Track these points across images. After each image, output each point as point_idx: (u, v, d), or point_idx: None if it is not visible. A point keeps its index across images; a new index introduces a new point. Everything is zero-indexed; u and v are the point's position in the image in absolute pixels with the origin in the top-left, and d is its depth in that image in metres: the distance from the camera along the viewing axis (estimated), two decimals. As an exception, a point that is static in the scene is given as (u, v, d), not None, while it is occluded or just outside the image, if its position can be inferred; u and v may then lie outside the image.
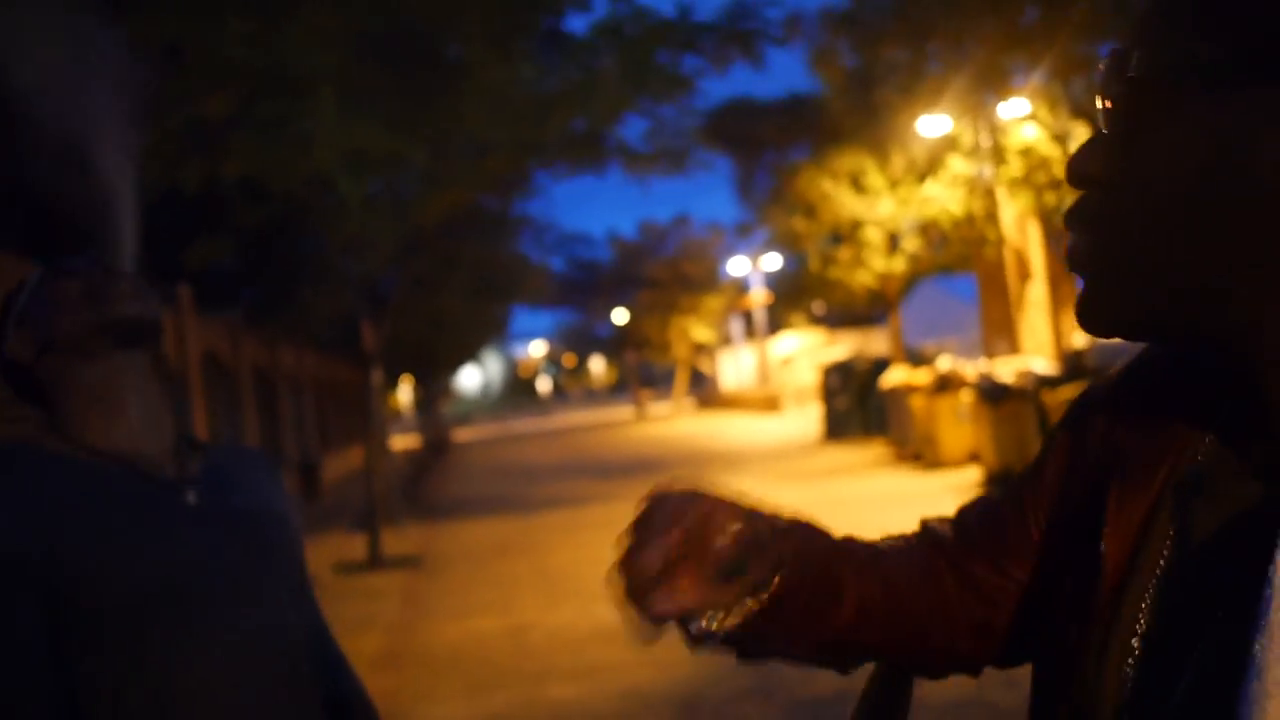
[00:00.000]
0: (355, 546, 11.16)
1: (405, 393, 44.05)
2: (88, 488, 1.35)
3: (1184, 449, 0.73)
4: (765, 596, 0.84)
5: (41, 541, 1.27)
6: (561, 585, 8.55)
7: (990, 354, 20.00)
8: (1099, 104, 0.70)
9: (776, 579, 0.84)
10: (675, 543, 0.79)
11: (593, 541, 10.57)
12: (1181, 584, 0.68)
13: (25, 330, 1.43)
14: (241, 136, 5.85)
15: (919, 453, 13.90)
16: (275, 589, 1.44)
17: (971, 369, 14.38)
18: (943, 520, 0.98)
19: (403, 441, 29.52)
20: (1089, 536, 0.76)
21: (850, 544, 0.94)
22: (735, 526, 0.81)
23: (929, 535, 0.96)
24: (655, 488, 0.83)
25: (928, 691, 1.01)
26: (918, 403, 13.87)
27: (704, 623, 0.82)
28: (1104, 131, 0.69)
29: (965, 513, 0.96)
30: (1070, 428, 0.86)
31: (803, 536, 0.89)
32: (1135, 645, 0.69)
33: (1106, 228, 0.69)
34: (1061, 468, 0.86)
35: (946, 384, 13.22)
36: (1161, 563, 0.70)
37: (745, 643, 0.87)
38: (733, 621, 0.83)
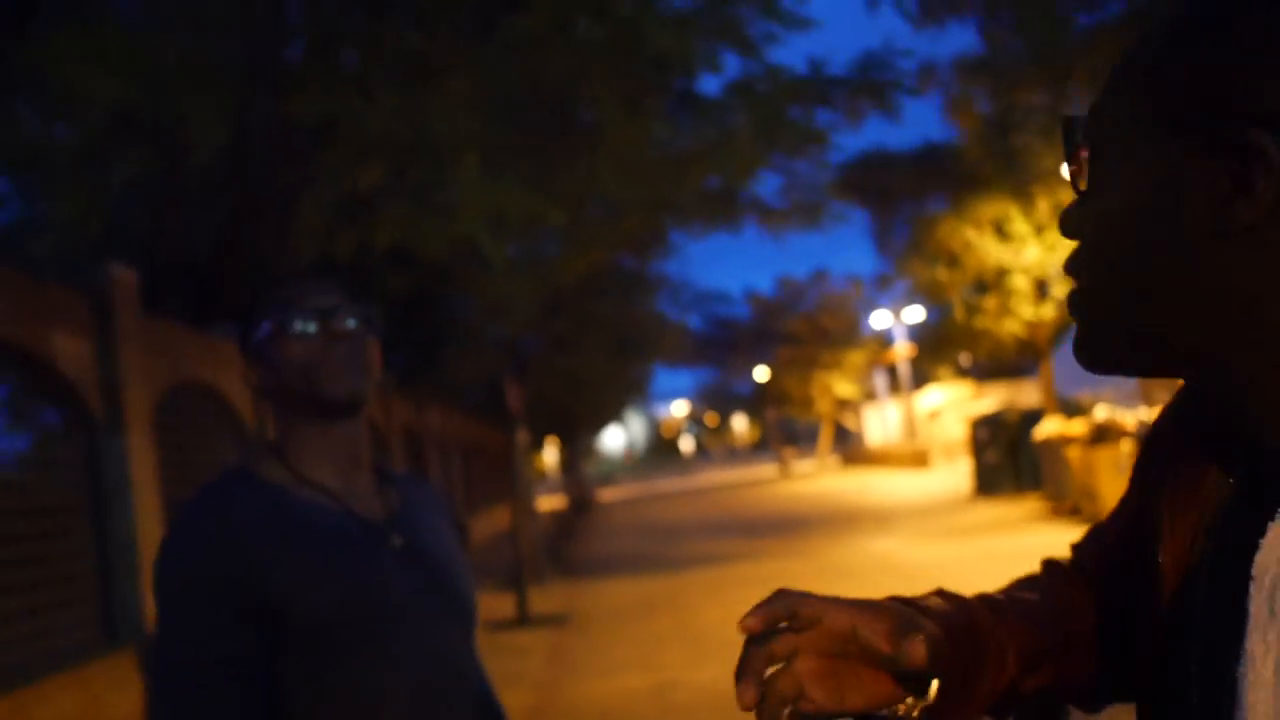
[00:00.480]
0: (502, 604, 11.32)
1: (550, 453, 44.71)
2: (306, 518, 1.51)
3: (1218, 474, 0.76)
4: (932, 691, 0.83)
5: (259, 561, 1.43)
6: (707, 642, 8.47)
7: (1149, 402, 19.14)
8: (1065, 170, 0.76)
9: (934, 683, 0.83)
10: (823, 647, 0.80)
11: (739, 599, 10.46)
12: (1195, 609, 0.71)
13: (262, 367, 1.60)
14: (391, 206, 6.12)
15: (1076, 506, 13.34)
16: (460, 633, 1.61)
17: (1130, 418, 13.77)
18: (1063, 558, 1.02)
19: (548, 502, 29.88)
20: (1149, 559, 0.78)
21: (990, 599, 0.95)
22: (884, 624, 0.80)
23: (1054, 568, 1.00)
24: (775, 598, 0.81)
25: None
26: (1074, 454, 13.35)
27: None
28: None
29: (1080, 546, 1.00)
30: (1139, 458, 0.91)
31: (945, 611, 0.88)
32: (1191, 671, 0.70)
33: (1086, 275, 0.75)
34: (1134, 496, 0.89)
35: (1104, 434, 12.69)
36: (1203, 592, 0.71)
37: None
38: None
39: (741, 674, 0.77)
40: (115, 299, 7.24)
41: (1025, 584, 0.98)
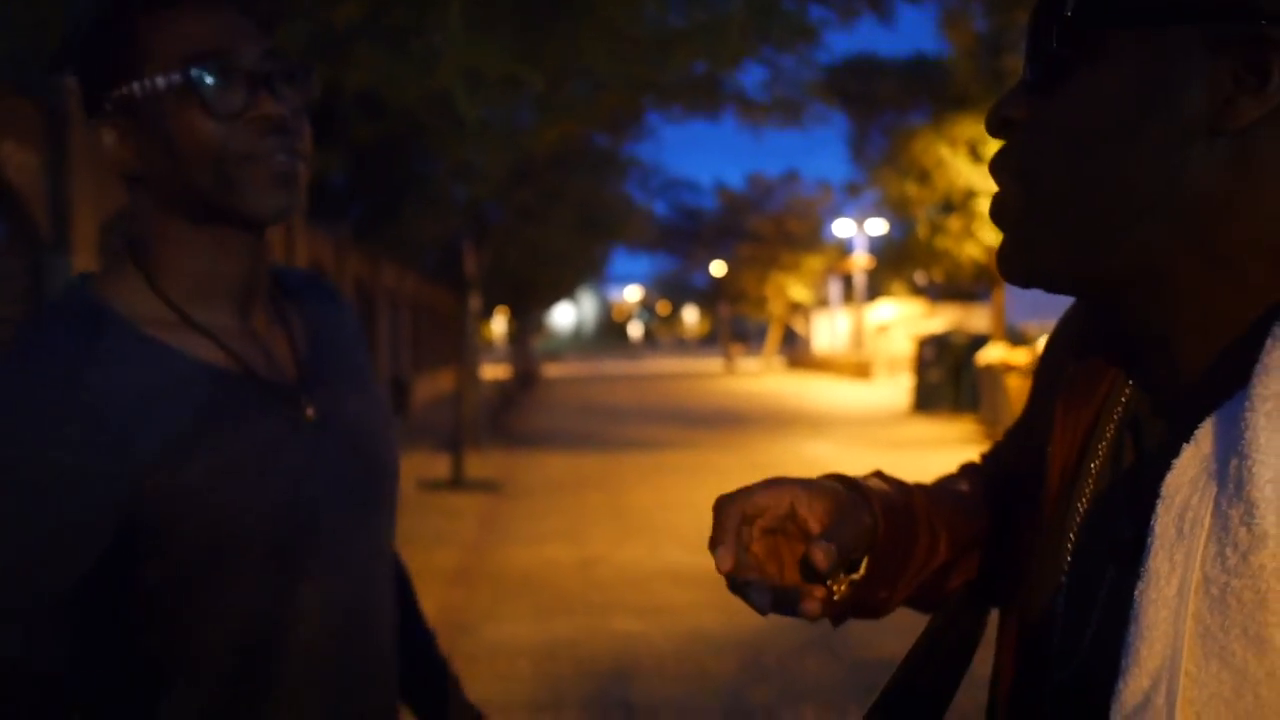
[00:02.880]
0: (439, 466, 11.41)
1: (500, 324, 44.63)
2: (187, 384, 1.05)
3: (1116, 378, 0.76)
4: (862, 569, 0.88)
5: (122, 450, 0.99)
6: (634, 523, 8.63)
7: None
8: (1028, 48, 0.70)
9: (865, 559, 0.88)
10: (765, 526, 0.84)
11: (670, 484, 10.64)
12: (1095, 527, 0.71)
13: (142, 140, 1.07)
14: (366, 47, 5.91)
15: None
16: (384, 531, 1.23)
17: (1073, 353, 14.00)
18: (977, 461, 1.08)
19: (493, 371, 29.96)
20: (1038, 458, 0.79)
21: (924, 486, 1.00)
22: (822, 504, 0.85)
23: (970, 470, 1.06)
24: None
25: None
26: (1014, 382, 13.58)
27: (807, 605, 0.86)
28: (1026, 79, 0.70)
29: (988, 454, 1.06)
30: (1037, 366, 0.92)
31: (884, 492, 0.93)
32: (1062, 582, 0.72)
33: (1028, 172, 0.69)
34: (1033, 400, 0.91)
35: (1046, 365, 12.91)
36: (1084, 501, 0.73)
37: (853, 609, 0.91)
38: (840, 596, 0.87)
39: (717, 542, 0.81)
40: (70, 111, 7.00)
41: (951, 480, 1.05)
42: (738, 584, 0.82)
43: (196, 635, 1.04)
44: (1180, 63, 0.63)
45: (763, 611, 0.82)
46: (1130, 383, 0.74)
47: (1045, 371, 0.88)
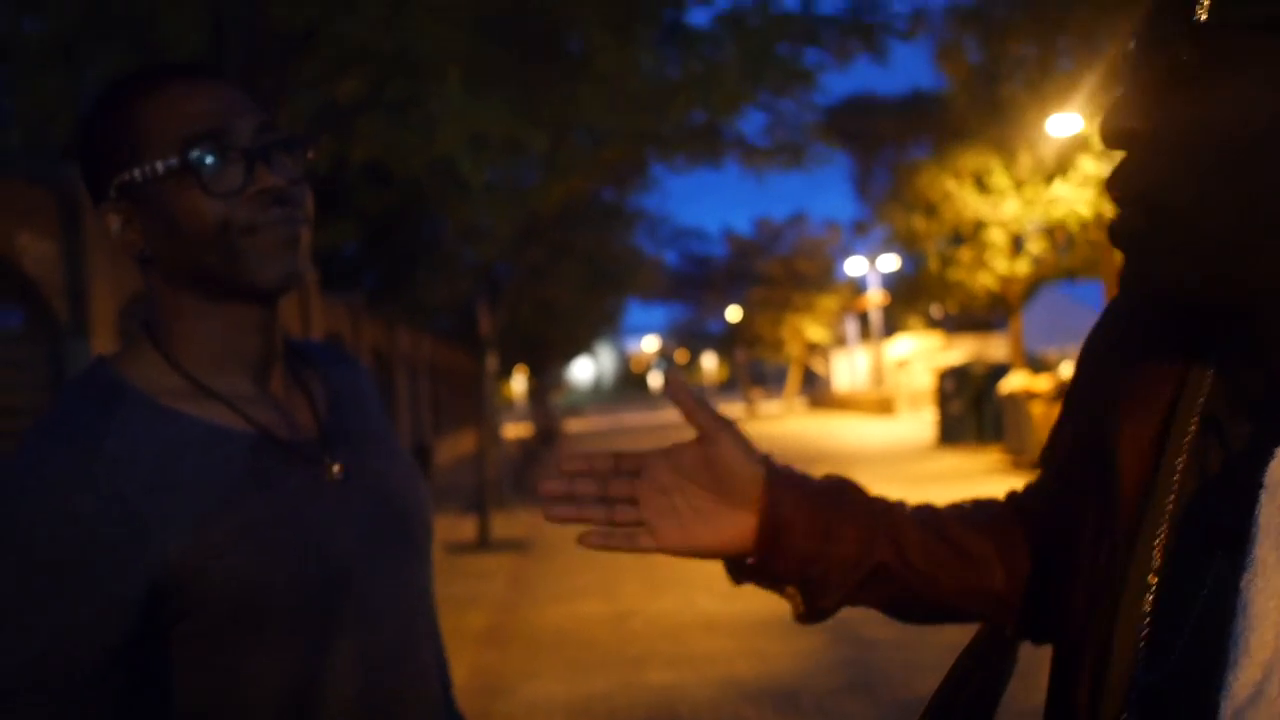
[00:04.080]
0: (465, 528, 11.38)
1: (519, 382, 44.74)
2: (207, 448, 1.05)
3: (1188, 380, 0.73)
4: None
5: (142, 517, 0.98)
6: (664, 574, 8.57)
7: (1115, 362, 19.30)
8: (1141, 54, 0.67)
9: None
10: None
11: (697, 534, 10.57)
12: (1190, 523, 0.69)
13: (146, 222, 1.09)
14: (370, 120, 6.02)
15: (1037, 460, 13.51)
16: (420, 584, 1.20)
17: (1094, 376, 13.93)
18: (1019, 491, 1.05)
19: (515, 430, 29.97)
20: (1104, 466, 0.76)
21: (890, 501, 1.01)
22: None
23: (983, 502, 1.05)
24: None
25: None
26: (1037, 409, 13.50)
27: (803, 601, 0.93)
28: (1144, 84, 0.67)
29: (1017, 492, 1.04)
30: (1077, 377, 0.89)
31: (816, 478, 0.98)
32: (1151, 582, 0.69)
33: (1156, 187, 0.65)
34: (1071, 414, 0.89)
35: (1067, 390, 12.83)
36: (1171, 500, 0.70)
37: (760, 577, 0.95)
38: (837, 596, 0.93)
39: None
40: (84, 200, 7.11)
41: (972, 504, 1.04)
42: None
43: (231, 697, 1.03)
44: None
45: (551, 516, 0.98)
46: (1209, 384, 0.71)
47: (1086, 384, 0.85)
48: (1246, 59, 0.61)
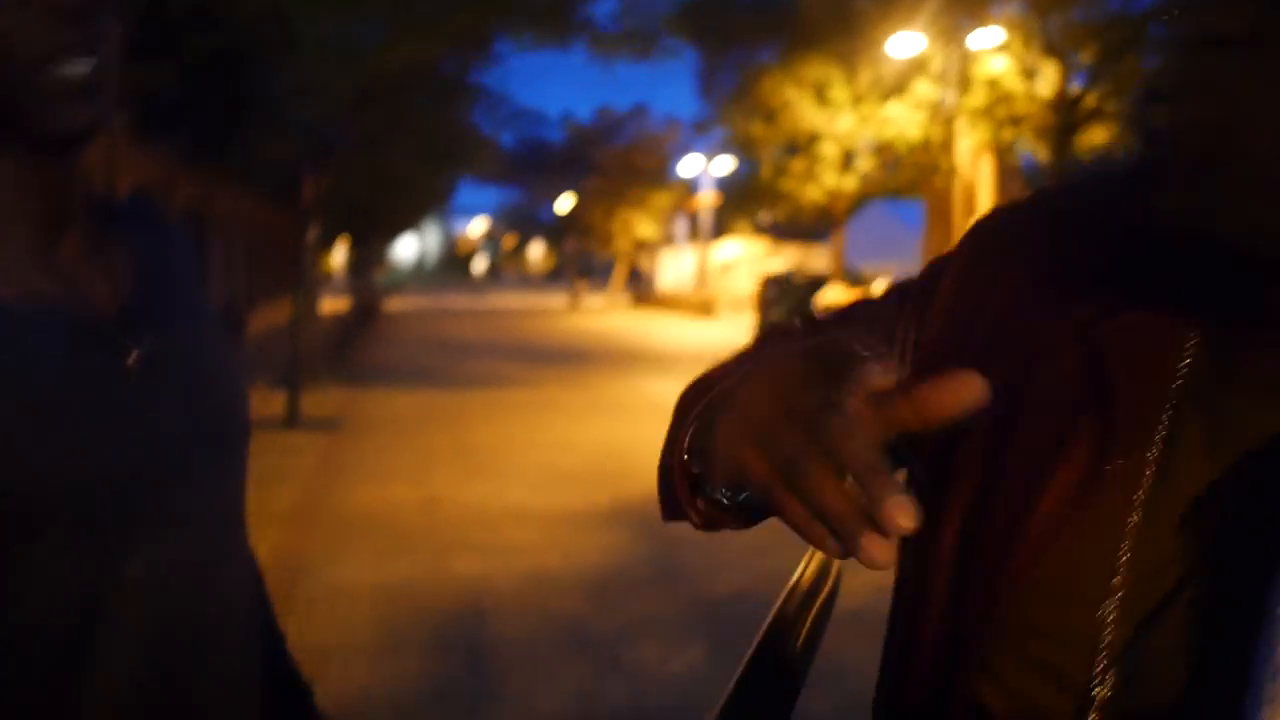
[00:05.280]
0: (275, 403, 11.01)
1: (340, 254, 43.35)
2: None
3: (1151, 338, 0.61)
4: None
5: None
6: (478, 462, 8.53)
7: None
8: None
9: None
10: None
11: (513, 423, 10.56)
12: (1182, 518, 0.58)
13: None
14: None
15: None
16: (231, 490, 1.04)
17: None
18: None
19: (332, 304, 29.11)
20: (1009, 411, 0.63)
21: None
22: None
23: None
24: None
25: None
26: (852, 322, 13.96)
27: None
28: None
29: (851, 311, 0.86)
30: (967, 267, 0.73)
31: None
32: (1116, 584, 0.59)
33: (1242, 101, 0.54)
34: (953, 319, 0.73)
35: (882, 307, 13.31)
36: (1141, 489, 0.59)
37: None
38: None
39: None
40: None
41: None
42: None
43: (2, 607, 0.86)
44: None
45: None
46: (1191, 344, 0.61)
47: (967, 304, 0.71)
48: None
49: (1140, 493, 0.60)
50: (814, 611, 0.95)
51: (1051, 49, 14.49)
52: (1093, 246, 0.66)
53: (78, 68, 0.86)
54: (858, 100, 18.85)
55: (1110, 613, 0.59)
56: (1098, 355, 0.62)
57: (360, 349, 20.22)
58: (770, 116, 20.21)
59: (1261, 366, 0.58)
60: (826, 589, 0.96)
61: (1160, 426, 0.60)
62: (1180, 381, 0.60)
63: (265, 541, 5.75)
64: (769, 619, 0.93)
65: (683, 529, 0.88)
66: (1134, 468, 0.60)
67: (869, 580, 0.94)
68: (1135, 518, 0.59)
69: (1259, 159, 0.54)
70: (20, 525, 0.85)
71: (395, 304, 42.94)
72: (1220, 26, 0.55)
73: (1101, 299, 0.63)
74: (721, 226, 42.13)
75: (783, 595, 0.95)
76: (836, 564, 0.96)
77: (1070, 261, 0.66)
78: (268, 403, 11.09)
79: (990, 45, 15.20)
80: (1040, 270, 0.68)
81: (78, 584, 0.88)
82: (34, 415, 0.85)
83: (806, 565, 0.97)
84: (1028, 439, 0.64)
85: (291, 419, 10.28)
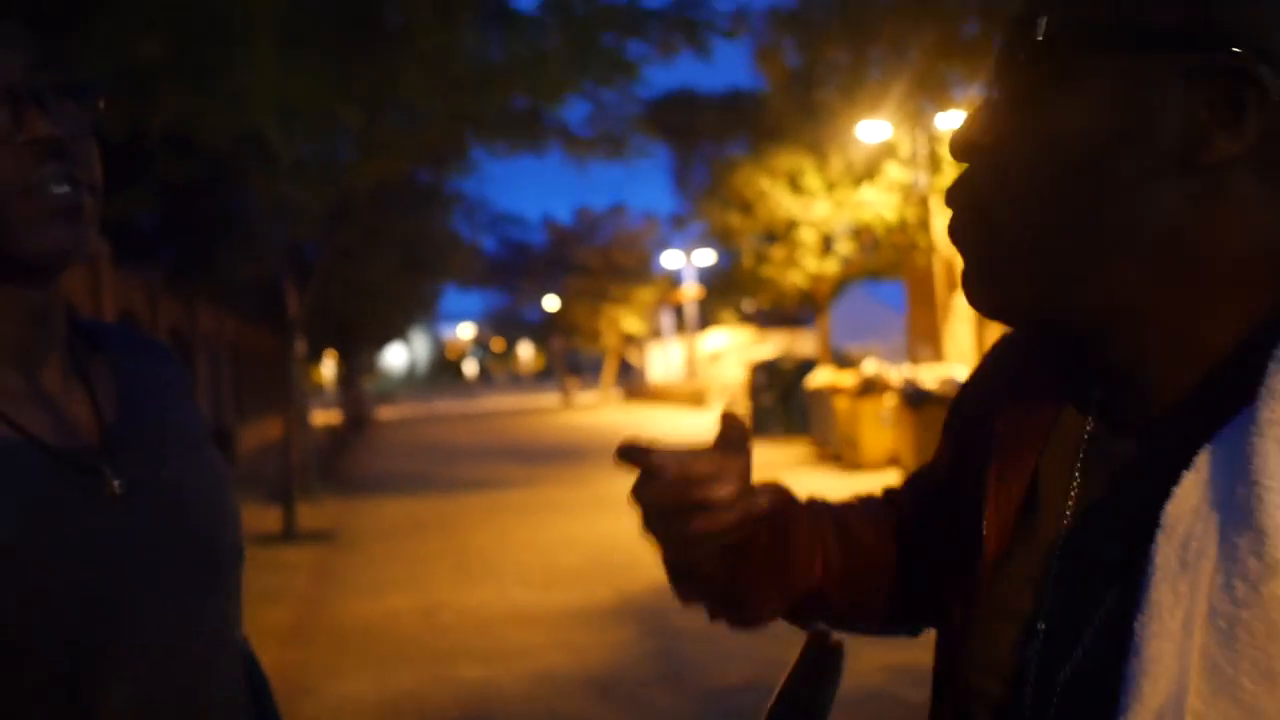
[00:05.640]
0: (269, 519, 10.93)
1: (329, 367, 43.43)
2: None
3: (1065, 415, 0.73)
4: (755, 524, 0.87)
5: None
6: (477, 566, 8.45)
7: (915, 359, 20.27)
8: (995, 68, 0.68)
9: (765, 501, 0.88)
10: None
11: (511, 525, 10.49)
12: (1077, 557, 0.67)
13: None
14: (171, 86, 5.63)
15: (840, 454, 14.02)
16: (215, 616, 1.02)
17: (896, 374, 14.53)
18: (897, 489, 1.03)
19: (324, 416, 29.07)
20: (973, 521, 0.76)
21: (818, 505, 0.98)
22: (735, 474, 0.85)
23: (889, 499, 1.01)
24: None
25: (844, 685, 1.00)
26: (841, 404, 13.99)
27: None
28: (993, 100, 0.68)
29: (895, 489, 1.02)
30: (949, 428, 0.89)
31: (778, 494, 0.93)
32: (1038, 626, 0.68)
33: (993, 204, 0.66)
34: (945, 465, 0.88)
35: (871, 387, 13.34)
36: (1056, 530, 0.69)
37: (721, 594, 0.90)
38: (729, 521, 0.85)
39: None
40: None
41: (860, 500, 1.03)
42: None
43: None
44: (1156, 93, 0.60)
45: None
46: (1088, 417, 0.71)
47: (960, 429, 0.85)
48: (1083, 77, 0.62)
49: (1056, 543, 0.69)
50: (817, 694, 0.97)
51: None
52: (1039, 361, 0.78)
53: (59, 195, 0.90)
54: (831, 186, 19.17)
55: (1026, 646, 0.68)
56: (1024, 441, 0.74)
57: (353, 459, 20.14)
58: (746, 207, 20.51)
59: (1138, 418, 0.67)
60: (827, 674, 0.98)
61: (1071, 488, 0.69)
62: (1083, 452, 0.69)
63: (264, 660, 5.65)
64: (769, 704, 0.96)
65: (687, 619, 0.94)
66: (1043, 527, 0.70)
67: (880, 661, 0.98)
68: (1048, 566, 0.69)
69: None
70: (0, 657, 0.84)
71: (387, 412, 42.88)
72: (974, 136, 0.67)
73: (1037, 399, 0.76)
74: (707, 317, 42.41)
75: (781, 682, 0.97)
76: (841, 645, 0.98)
77: (1023, 372, 0.79)
78: (263, 518, 11.01)
79: (955, 126, 15.56)
80: (1006, 383, 0.80)
81: (60, 715, 0.88)
82: (9, 549, 0.85)
83: (804, 650, 0.99)
84: (982, 508, 0.75)
85: (287, 533, 10.19)
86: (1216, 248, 0.61)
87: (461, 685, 5.30)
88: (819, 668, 0.96)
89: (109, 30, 5.20)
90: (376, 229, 13.96)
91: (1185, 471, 0.57)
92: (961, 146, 0.68)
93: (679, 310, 43.85)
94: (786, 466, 14.50)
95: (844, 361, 23.93)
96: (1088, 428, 0.71)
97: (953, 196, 0.69)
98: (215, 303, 18.11)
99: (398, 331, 32.65)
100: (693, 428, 24.32)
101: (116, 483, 0.94)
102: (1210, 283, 0.62)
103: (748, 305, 37.33)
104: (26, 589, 0.86)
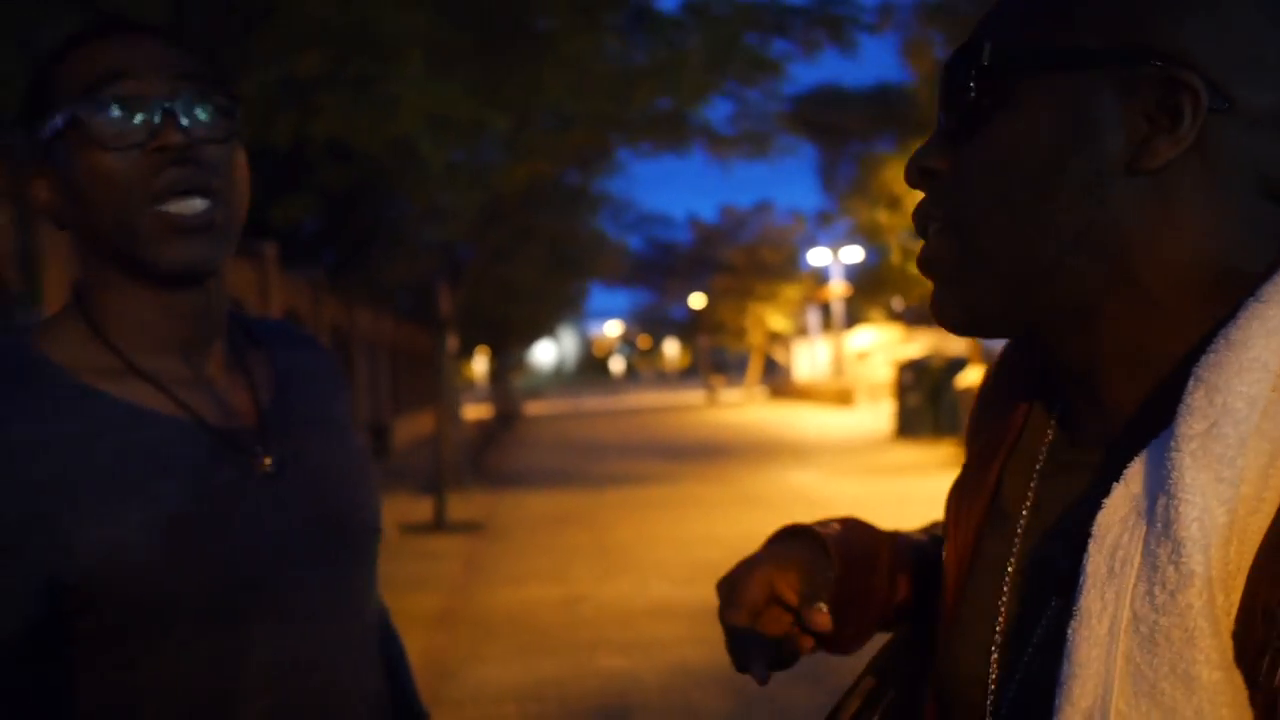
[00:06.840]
0: (421, 508, 11.35)
1: (480, 363, 44.58)
2: (128, 434, 0.97)
3: (1031, 423, 0.77)
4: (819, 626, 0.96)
5: (50, 505, 0.92)
6: (619, 559, 8.59)
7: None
8: (944, 98, 0.71)
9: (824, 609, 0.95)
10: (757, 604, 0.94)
11: (654, 519, 10.61)
12: (1028, 572, 0.71)
13: (56, 178, 0.99)
14: (330, 96, 5.95)
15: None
16: (354, 588, 1.11)
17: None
18: None
19: (474, 411, 29.87)
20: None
21: (895, 536, 1.04)
22: (794, 574, 0.94)
23: None
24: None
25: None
26: (991, 403, 13.62)
27: (804, 643, 1.00)
28: (944, 128, 0.71)
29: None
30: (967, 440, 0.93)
31: (845, 544, 0.99)
32: (997, 633, 0.72)
33: (955, 223, 0.70)
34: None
35: (1022, 385, 12.96)
36: (1014, 548, 0.73)
37: (824, 646, 1.00)
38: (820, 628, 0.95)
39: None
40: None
41: (931, 528, 1.09)
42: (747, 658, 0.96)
43: (132, 700, 0.95)
44: (1095, 107, 0.64)
45: (763, 681, 0.97)
46: (1051, 424, 0.75)
47: (968, 442, 0.90)
48: (1027, 95, 0.66)
49: (1014, 550, 0.73)
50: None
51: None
52: (1008, 374, 0.83)
53: (187, 207, 0.95)
54: (982, 179, 18.66)
55: (993, 656, 0.72)
56: (990, 454, 0.79)
57: (502, 453, 20.65)
58: (894, 203, 20.15)
59: (1101, 433, 0.70)
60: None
61: (1028, 495, 0.74)
62: (1040, 463, 0.74)
63: (412, 643, 5.90)
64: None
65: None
66: (1008, 533, 0.74)
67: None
68: (1011, 578, 0.73)
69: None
70: (154, 619, 0.95)
71: (535, 408, 43.74)
72: (928, 164, 0.71)
73: (1004, 412, 0.80)
74: (854, 315, 41.83)
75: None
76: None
77: (1008, 386, 0.83)
78: (415, 508, 11.44)
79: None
80: (982, 398, 0.87)
81: (205, 675, 0.98)
82: (168, 519, 0.95)
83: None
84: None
85: (437, 523, 10.57)
86: (1165, 249, 0.64)
87: (601, 675, 5.43)
88: (901, 663, 1.04)
89: (273, 45, 5.52)
90: (526, 229, 14.29)
91: (1115, 483, 0.60)
92: (917, 174, 0.72)
93: (825, 308, 43.36)
94: (934, 467, 14.21)
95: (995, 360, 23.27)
96: (1047, 438, 0.74)
97: (917, 221, 0.73)
98: (372, 302, 18.85)
99: (546, 329, 33.30)
100: (839, 426, 24.06)
101: (268, 460, 1.03)
102: (1159, 290, 0.65)
103: (896, 303, 36.64)
104: (189, 555, 0.96)
